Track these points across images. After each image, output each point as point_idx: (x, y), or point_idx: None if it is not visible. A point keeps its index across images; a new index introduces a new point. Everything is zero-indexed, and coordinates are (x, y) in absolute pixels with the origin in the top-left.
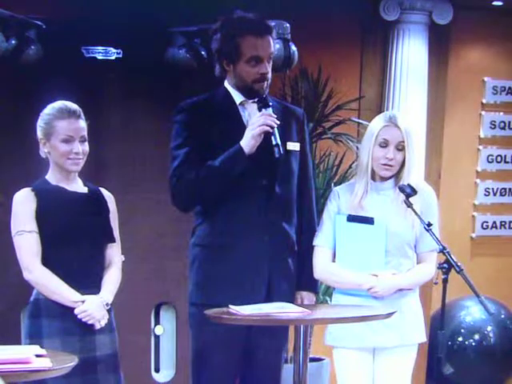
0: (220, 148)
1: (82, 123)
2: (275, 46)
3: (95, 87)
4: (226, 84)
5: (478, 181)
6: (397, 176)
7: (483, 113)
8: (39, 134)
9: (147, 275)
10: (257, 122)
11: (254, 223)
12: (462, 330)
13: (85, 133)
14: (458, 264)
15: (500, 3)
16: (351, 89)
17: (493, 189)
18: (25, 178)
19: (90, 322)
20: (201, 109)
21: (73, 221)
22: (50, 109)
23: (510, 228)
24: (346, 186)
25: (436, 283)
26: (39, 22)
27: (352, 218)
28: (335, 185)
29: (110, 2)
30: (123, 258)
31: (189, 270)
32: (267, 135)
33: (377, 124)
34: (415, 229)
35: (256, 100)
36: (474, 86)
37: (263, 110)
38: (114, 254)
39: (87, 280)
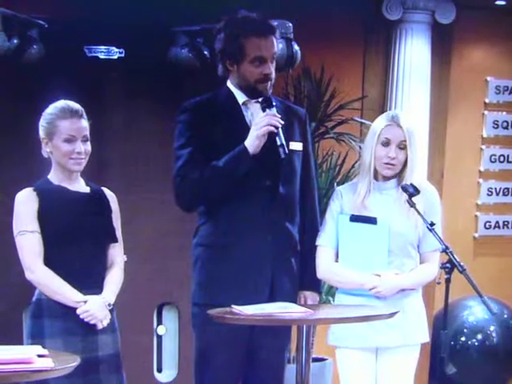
0: (223, 148)
1: (85, 123)
2: (278, 45)
3: (97, 87)
4: (229, 84)
5: (480, 180)
6: (399, 175)
7: (486, 112)
8: (41, 133)
9: (150, 275)
10: (261, 122)
11: (257, 223)
12: (465, 330)
13: (87, 132)
14: (461, 264)
15: (503, 3)
16: (354, 88)
17: (495, 188)
18: (26, 177)
19: (92, 322)
20: (204, 109)
21: (75, 221)
22: (53, 108)
23: None
24: (349, 185)
25: (439, 283)
26: (41, 22)
27: (355, 218)
28: (338, 184)
29: (113, 2)
30: (125, 258)
31: (192, 269)
32: (271, 135)
33: (379, 123)
34: (418, 229)
35: (260, 100)
36: (477, 86)
37: (267, 110)
38: (117, 254)
39: (89, 280)
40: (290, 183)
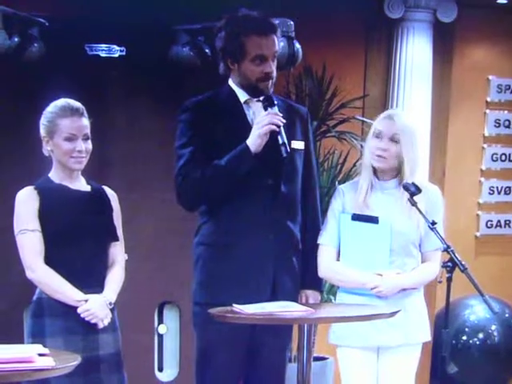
0: (225, 147)
1: (85, 121)
2: (279, 44)
3: (98, 85)
4: (231, 82)
5: (482, 179)
6: (399, 173)
7: (488, 111)
8: (42, 132)
9: (151, 274)
10: (263, 120)
11: (259, 222)
12: (466, 329)
13: (88, 131)
14: (463, 263)
15: (505, 1)
16: (355, 87)
17: (497, 187)
18: (27, 176)
19: (93, 321)
20: (205, 107)
21: (76, 219)
22: (53, 107)
23: None
24: (351, 184)
25: (440, 282)
26: (42, 20)
27: (357, 217)
28: (339, 183)
29: (114, 0)
30: (126, 257)
31: (193, 268)
32: (273, 134)
33: (376, 119)
34: (420, 228)
35: (261, 99)
36: (479, 85)
37: (269, 108)
38: (118, 252)
39: (90, 279)
40: (291, 182)
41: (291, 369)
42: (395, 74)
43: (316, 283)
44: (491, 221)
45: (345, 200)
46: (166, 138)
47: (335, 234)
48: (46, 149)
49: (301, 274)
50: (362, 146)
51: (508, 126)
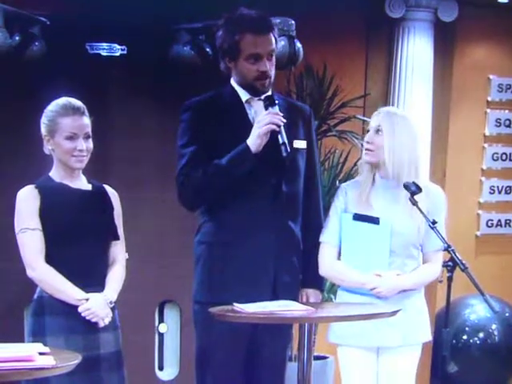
0: (226, 146)
1: (86, 120)
2: (278, 43)
3: (99, 84)
4: (232, 82)
5: (483, 179)
6: (381, 166)
7: (488, 111)
8: (43, 130)
9: (151, 273)
10: (263, 120)
11: (261, 221)
12: (467, 328)
13: (89, 130)
14: (463, 262)
15: (506, 0)
16: (356, 86)
17: (498, 187)
18: (28, 175)
19: (93, 320)
20: (207, 107)
21: (77, 218)
22: (54, 105)
23: None
24: (353, 182)
25: (441, 281)
26: (43, 19)
27: (358, 217)
28: (340, 182)
29: None
30: (127, 256)
31: (194, 267)
32: (274, 134)
33: None
34: (421, 229)
35: (262, 98)
36: (480, 84)
37: (269, 108)
38: (118, 251)
39: (91, 278)
40: (293, 181)
41: (291, 368)
42: (396, 73)
43: (317, 282)
44: (492, 220)
45: (347, 198)
46: (167, 136)
47: (336, 233)
48: (47, 147)
49: (302, 273)
50: (362, 146)
51: (509, 126)
